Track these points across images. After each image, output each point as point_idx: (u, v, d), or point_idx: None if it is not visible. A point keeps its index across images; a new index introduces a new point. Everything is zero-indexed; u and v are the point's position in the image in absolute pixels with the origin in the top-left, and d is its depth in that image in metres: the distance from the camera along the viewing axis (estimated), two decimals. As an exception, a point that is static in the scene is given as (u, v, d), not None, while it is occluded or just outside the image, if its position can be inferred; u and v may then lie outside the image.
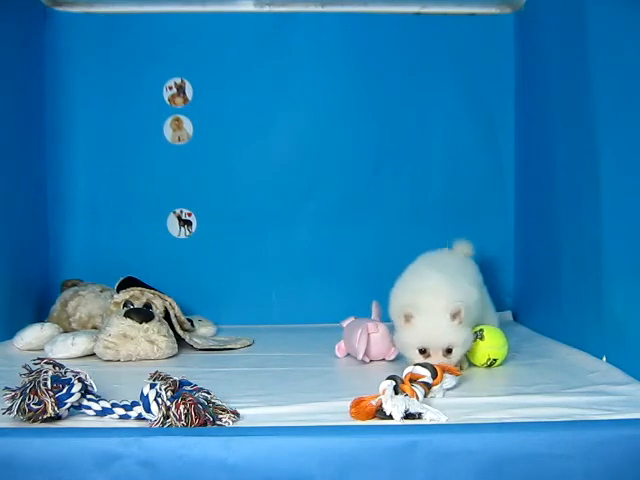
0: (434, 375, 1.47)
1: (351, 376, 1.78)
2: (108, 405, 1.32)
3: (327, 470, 1.13)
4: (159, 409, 1.24)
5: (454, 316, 1.67)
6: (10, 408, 1.27)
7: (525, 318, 2.45)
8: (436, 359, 1.65)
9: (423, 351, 1.68)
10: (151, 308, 2.04)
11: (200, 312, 2.45)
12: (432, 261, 1.92)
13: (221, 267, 2.60)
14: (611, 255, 1.69)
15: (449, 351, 1.67)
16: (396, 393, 1.34)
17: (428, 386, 1.45)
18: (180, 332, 2.07)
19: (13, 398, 1.27)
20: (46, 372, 1.30)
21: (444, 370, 1.52)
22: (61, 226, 2.56)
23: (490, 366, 1.78)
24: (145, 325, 1.95)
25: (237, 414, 1.31)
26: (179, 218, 2.59)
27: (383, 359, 1.88)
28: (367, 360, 1.87)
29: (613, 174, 1.68)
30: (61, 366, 1.36)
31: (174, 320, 2.08)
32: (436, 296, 1.70)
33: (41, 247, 2.50)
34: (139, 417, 1.29)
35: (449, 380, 1.52)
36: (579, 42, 1.85)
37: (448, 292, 1.71)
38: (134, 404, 1.31)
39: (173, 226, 2.60)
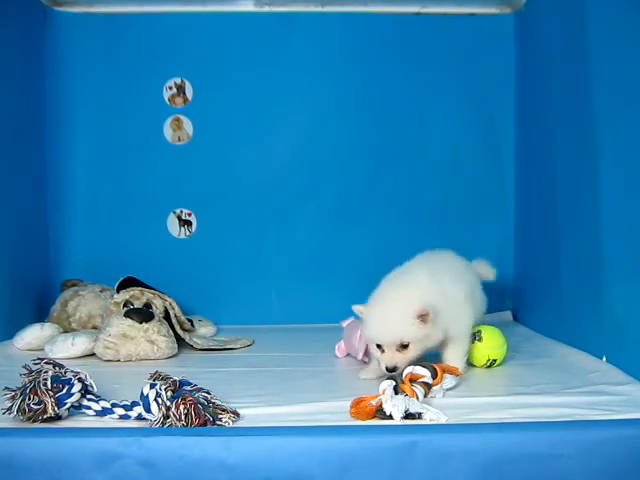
0: (434, 375, 1.47)
1: (351, 376, 1.77)
2: (108, 405, 1.32)
3: (327, 470, 1.13)
4: (159, 409, 1.25)
5: (421, 317, 1.61)
6: (10, 408, 1.27)
7: (525, 318, 2.45)
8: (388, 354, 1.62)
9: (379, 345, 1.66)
10: (151, 308, 2.04)
11: (200, 312, 2.45)
12: (422, 260, 1.91)
13: (221, 267, 2.60)
14: (611, 255, 1.69)
15: (405, 346, 1.61)
16: (396, 393, 1.34)
17: (428, 386, 1.45)
18: (180, 332, 2.07)
19: (13, 398, 1.27)
20: (46, 372, 1.31)
21: (444, 370, 1.52)
22: (61, 226, 2.56)
23: (490, 366, 1.78)
24: (145, 325, 1.95)
25: (237, 414, 1.31)
26: (179, 218, 2.59)
27: None
28: (367, 360, 1.87)
29: (613, 174, 1.68)
30: (61, 366, 1.36)
31: (174, 320, 2.08)
32: (398, 291, 1.68)
33: (41, 247, 2.50)
34: (139, 417, 1.29)
35: (449, 380, 1.53)
36: (579, 42, 1.85)
37: (413, 289, 1.67)
38: (134, 404, 1.31)
39: (173, 226, 2.60)
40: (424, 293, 1.66)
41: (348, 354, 1.96)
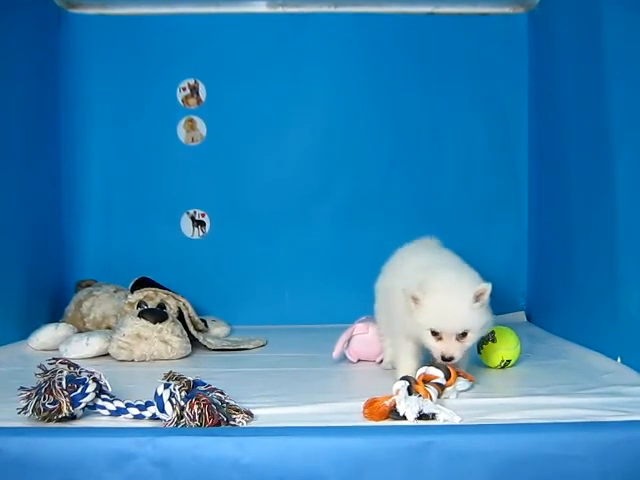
0: (447, 376, 1.47)
1: (364, 377, 1.78)
2: (122, 405, 1.33)
3: (340, 470, 1.13)
4: (173, 409, 1.25)
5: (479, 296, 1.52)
6: (25, 408, 1.28)
7: (539, 319, 2.44)
8: None
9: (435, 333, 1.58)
10: (165, 308, 2.05)
11: (213, 312, 2.45)
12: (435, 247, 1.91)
13: (234, 267, 2.61)
14: (626, 255, 1.68)
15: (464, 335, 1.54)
16: (410, 394, 1.34)
17: (441, 387, 1.45)
18: (194, 332, 2.07)
19: (28, 398, 1.28)
20: (61, 372, 1.31)
21: (458, 373, 1.51)
22: (76, 227, 2.58)
23: (504, 367, 1.77)
24: (159, 325, 1.95)
25: (251, 414, 1.32)
26: (193, 219, 2.60)
27: (374, 361, 1.89)
28: (354, 360, 1.90)
29: (628, 174, 1.68)
30: (76, 366, 1.37)
31: (188, 320, 2.09)
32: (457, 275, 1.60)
33: (56, 248, 2.51)
34: (153, 417, 1.30)
35: (462, 382, 1.52)
36: (594, 41, 1.84)
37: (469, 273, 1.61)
38: (148, 404, 1.32)
39: (187, 227, 2.61)
40: (476, 276, 1.58)
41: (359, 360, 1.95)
